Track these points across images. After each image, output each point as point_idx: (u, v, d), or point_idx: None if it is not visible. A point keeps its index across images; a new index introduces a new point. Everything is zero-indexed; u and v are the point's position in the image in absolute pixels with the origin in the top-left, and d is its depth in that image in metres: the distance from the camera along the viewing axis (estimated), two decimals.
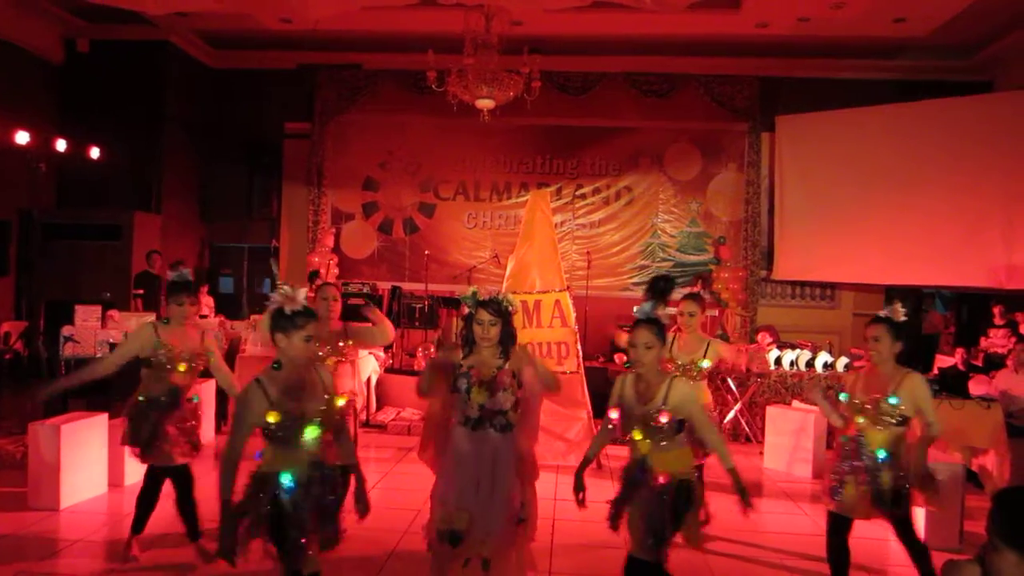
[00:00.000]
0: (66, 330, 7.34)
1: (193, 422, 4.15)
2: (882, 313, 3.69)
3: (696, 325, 4.71)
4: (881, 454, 3.55)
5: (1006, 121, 9.15)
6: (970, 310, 10.85)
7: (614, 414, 3.19)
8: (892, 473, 3.55)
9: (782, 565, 4.44)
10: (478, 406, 3.38)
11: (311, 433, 2.83)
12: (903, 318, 3.64)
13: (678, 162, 11.21)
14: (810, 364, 7.64)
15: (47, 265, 10.50)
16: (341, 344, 4.74)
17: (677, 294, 10.90)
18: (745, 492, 3.15)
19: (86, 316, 7.55)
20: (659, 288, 3.27)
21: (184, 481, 4.14)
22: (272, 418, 2.81)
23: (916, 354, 9.82)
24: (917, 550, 3.72)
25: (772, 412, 6.90)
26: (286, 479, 2.81)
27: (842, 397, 3.74)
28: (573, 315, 6.80)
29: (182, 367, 4.06)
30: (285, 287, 2.95)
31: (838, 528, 3.72)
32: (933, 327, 10.84)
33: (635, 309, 3.25)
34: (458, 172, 11.54)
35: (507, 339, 3.47)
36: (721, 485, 5.11)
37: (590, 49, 10.85)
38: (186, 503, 4.12)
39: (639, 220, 11.27)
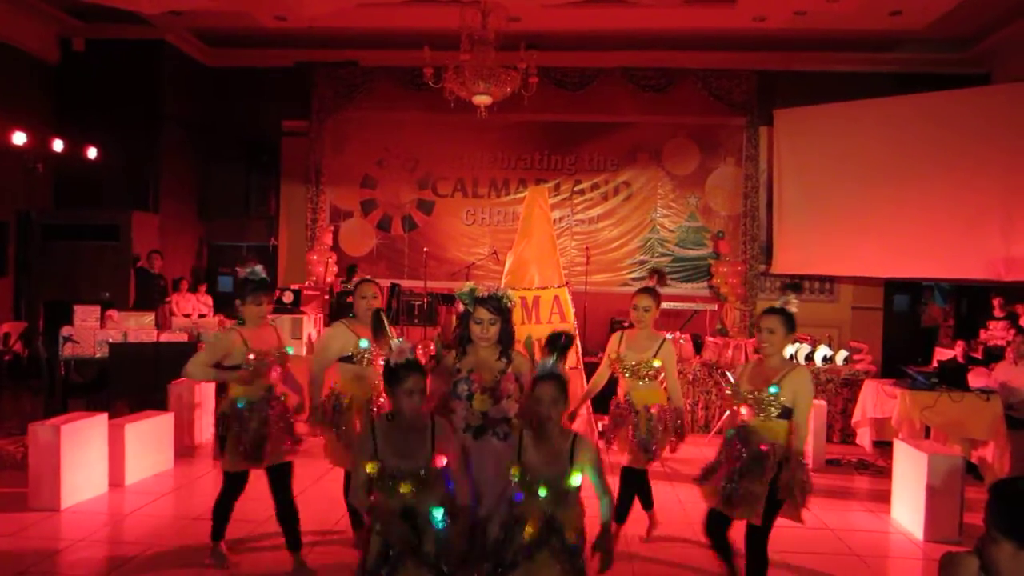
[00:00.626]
0: (65, 330, 7.34)
1: (291, 418, 4.05)
2: (776, 304, 3.56)
3: (650, 321, 4.38)
4: (764, 447, 3.40)
5: (1004, 114, 9.14)
6: (969, 302, 10.87)
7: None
8: (772, 471, 3.36)
9: (782, 559, 4.44)
10: (480, 414, 3.27)
11: (404, 489, 2.83)
12: (795, 310, 3.54)
13: (676, 157, 11.20)
14: (809, 358, 7.64)
15: (45, 266, 10.50)
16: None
17: (677, 288, 10.98)
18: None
19: (85, 316, 7.55)
20: (559, 344, 3.07)
21: (287, 480, 4.00)
22: (371, 468, 2.84)
23: (915, 347, 9.87)
24: (760, 563, 3.46)
25: None
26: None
27: (728, 387, 3.66)
28: (572, 311, 6.80)
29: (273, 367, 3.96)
30: (396, 341, 2.97)
31: (719, 523, 3.56)
32: (932, 320, 10.85)
33: (537, 366, 3.01)
34: (456, 169, 11.53)
35: (506, 338, 3.37)
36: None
37: (587, 44, 10.83)
38: (288, 504, 3.96)
39: (638, 215, 11.27)
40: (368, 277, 4.75)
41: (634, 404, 4.29)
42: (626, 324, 4.60)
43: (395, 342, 2.95)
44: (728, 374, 3.78)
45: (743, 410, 3.49)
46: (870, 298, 10.87)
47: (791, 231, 10.62)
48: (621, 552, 4.28)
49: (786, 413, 3.41)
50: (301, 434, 4.09)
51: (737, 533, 3.52)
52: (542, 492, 2.82)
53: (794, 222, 10.59)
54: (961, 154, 9.36)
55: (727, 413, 7.40)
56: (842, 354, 7.68)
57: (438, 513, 2.82)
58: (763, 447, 3.36)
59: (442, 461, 2.86)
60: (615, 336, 4.50)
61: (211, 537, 4.06)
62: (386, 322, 3.64)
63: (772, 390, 3.37)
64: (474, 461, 3.28)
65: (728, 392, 3.64)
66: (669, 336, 4.82)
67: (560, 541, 2.81)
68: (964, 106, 9.50)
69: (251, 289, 3.92)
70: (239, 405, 3.88)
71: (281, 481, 3.94)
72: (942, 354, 8.06)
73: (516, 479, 2.85)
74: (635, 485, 4.39)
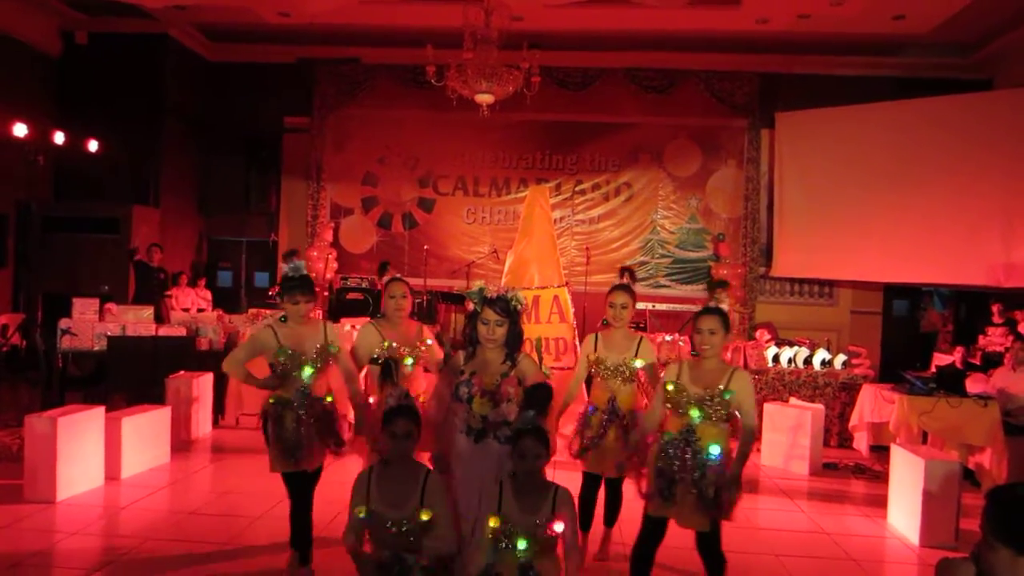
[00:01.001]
0: (63, 323, 7.34)
1: (333, 422, 3.84)
2: (712, 304, 3.41)
3: (627, 319, 4.19)
4: (715, 451, 3.27)
5: (1005, 119, 9.14)
6: (968, 308, 10.87)
7: (493, 523, 2.86)
8: (719, 474, 3.26)
9: (778, 563, 4.44)
10: (480, 417, 3.27)
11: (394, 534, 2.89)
12: (726, 307, 3.42)
13: (678, 158, 11.20)
14: (808, 361, 7.64)
15: (45, 258, 10.49)
16: (419, 345, 4.20)
17: (677, 290, 10.98)
18: None
19: (83, 309, 7.54)
20: (539, 398, 3.02)
21: (311, 485, 3.87)
22: (361, 513, 2.90)
23: (914, 352, 9.87)
24: (719, 563, 3.37)
25: (770, 409, 6.90)
26: None
27: (669, 387, 3.38)
28: (572, 311, 6.80)
29: (308, 369, 3.74)
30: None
31: (655, 534, 3.39)
32: (931, 325, 10.86)
33: (519, 423, 2.95)
34: (457, 167, 11.53)
35: (514, 340, 3.34)
36: None
37: (590, 45, 10.83)
38: (304, 510, 3.83)
39: (638, 216, 11.27)
40: (398, 276, 4.45)
41: (618, 409, 4.04)
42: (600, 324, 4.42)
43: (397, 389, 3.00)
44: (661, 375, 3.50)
45: (693, 413, 3.30)
46: (869, 302, 10.88)
47: (792, 234, 10.61)
48: (615, 554, 4.28)
49: (730, 418, 3.33)
50: (347, 439, 3.94)
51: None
52: (521, 544, 2.80)
53: (795, 225, 10.59)
54: (962, 159, 9.36)
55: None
56: (840, 358, 7.67)
57: None
58: (713, 451, 3.27)
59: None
60: (589, 337, 4.31)
61: (290, 545, 3.87)
62: (395, 372, 3.60)
63: (727, 395, 3.27)
64: (475, 465, 3.27)
65: (670, 395, 3.37)
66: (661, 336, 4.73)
67: None
68: (966, 111, 9.50)
69: (287, 286, 3.77)
70: (271, 402, 3.78)
71: (306, 490, 3.85)
72: (940, 359, 8.06)
73: (494, 526, 2.82)
74: (619, 495, 4.20)
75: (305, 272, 3.86)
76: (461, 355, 3.40)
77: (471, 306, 3.40)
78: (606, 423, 4.03)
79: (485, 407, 3.26)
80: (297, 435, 3.67)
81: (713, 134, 11.15)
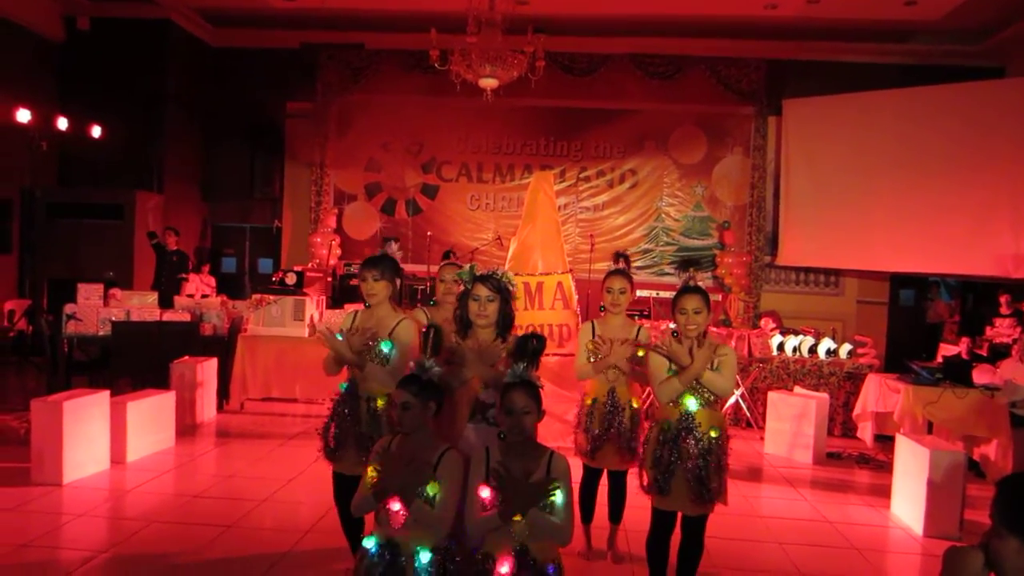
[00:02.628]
0: (68, 308, 7.35)
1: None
2: (693, 283, 3.34)
3: (625, 305, 4.04)
4: (714, 434, 3.23)
5: (1017, 108, 9.06)
6: (976, 299, 10.82)
7: (485, 492, 2.64)
8: (717, 459, 3.24)
9: (781, 550, 4.44)
10: (471, 399, 3.25)
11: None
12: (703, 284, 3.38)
13: (683, 145, 11.14)
14: (812, 350, 7.62)
15: (49, 243, 10.51)
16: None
17: (682, 278, 10.93)
18: None
19: (88, 294, 7.55)
20: (530, 348, 2.88)
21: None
22: (372, 472, 2.72)
23: (920, 342, 9.83)
24: (700, 550, 3.36)
25: (773, 397, 6.89)
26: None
27: (666, 372, 3.27)
28: (575, 298, 6.77)
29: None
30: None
31: (665, 526, 3.34)
32: (938, 316, 10.81)
33: (507, 374, 2.77)
34: (461, 153, 11.49)
35: (505, 320, 3.31)
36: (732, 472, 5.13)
37: (596, 30, 10.74)
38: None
39: (643, 203, 11.22)
40: (452, 260, 4.23)
41: (619, 400, 3.93)
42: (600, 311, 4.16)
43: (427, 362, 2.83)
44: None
45: (689, 400, 3.26)
46: (875, 292, 10.83)
47: (798, 223, 10.56)
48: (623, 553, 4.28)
49: (716, 399, 3.32)
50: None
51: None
52: (516, 517, 2.57)
53: (801, 214, 10.53)
54: (972, 148, 9.29)
55: (729, 400, 7.40)
56: (846, 347, 7.65)
57: (424, 555, 2.67)
58: (714, 435, 3.24)
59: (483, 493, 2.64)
60: (587, 325, 4.13)
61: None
62: (439, 342, 3.21)
63: (719, 371, 3.23)
64: (466, 446, 3.22)
65: (664, 379, 3.26)
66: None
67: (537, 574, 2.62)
68: (977, 99, 9.41)
69: (366, 265, 3.46)
70: (342, 388, 3.50)
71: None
72: (947, 350, 8.02)
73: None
74: (623, 489, 4.10)
75: (380, 254, 3.52)
76: (454, 337, 3.34)
77: (462, 287, 3.38)
78: (609, 415, 3.93)
79: (477, 387, 3.25)
80: (340, 430, 3.42)
81: (719, 121, 11.08)
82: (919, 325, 10.88)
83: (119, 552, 3.96)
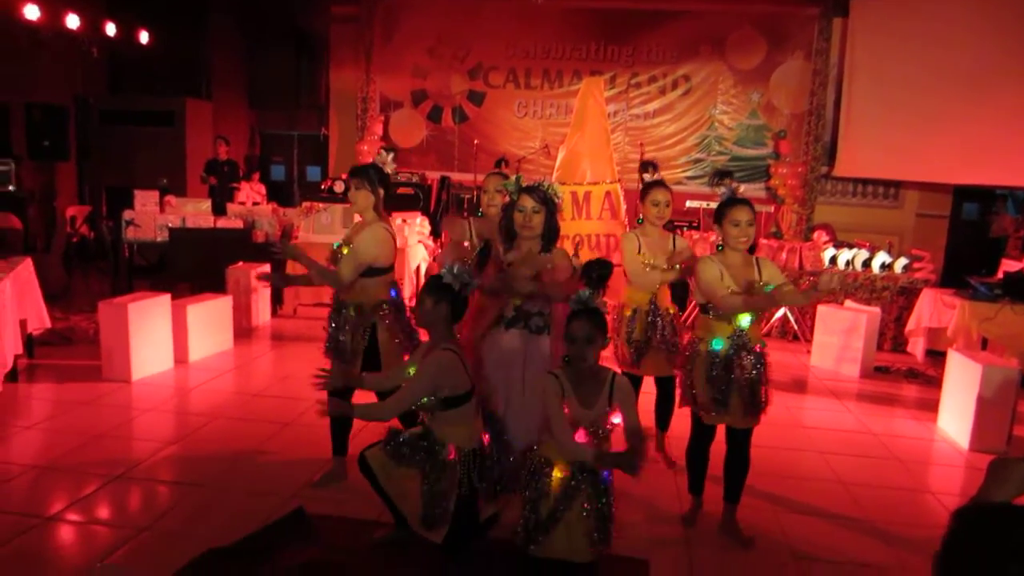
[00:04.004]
0: (127, 214, 7.57)
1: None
2: (739, 195, 3.31)
3: (667, 217, 4.09)
4: (761, 347, 3.25)
5: None
6: None
7: (581, 435, 2.73)
8: (764, 371, 3.24)
9: (823, 460, 4.50)
10: (514, 306, 3.32)
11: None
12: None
13: (741, 49, 10.64)
14: (866, 264, 7.46)
15: (104, 151, 10.72)
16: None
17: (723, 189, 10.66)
18: None
19: (145, 201, 7.75)
20: (596, 274, 2.85)
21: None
22: (412, 370, 3.03)
23: (981, 257, 9.52)
24: (748, 464, 3.38)
25: (823, 311, 6.82)
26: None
27: (768, 288, 3.16)
28: (624, 208, 6.70)
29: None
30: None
31: (708, 437, 3.41)
32: (1002, 230, 10.40)
33: (571, 300, 2.77)
34: (509, 59, 11.19)
35: (550, 233, 3.32)
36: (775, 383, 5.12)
37: None
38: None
39: (696, 111, 10.86)
40: (498, 170, 4.18)
41: (660, 307, 4.00)
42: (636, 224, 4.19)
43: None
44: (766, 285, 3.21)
45: (743, 318, 3.22)
46: (937, 205, 10.43)
47: (858, 132, 10.12)
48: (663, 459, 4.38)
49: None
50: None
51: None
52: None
53: (862, 122, 10.07)
54: None
55: (777, 314, 7.35)
56: (901, 261, 7.47)
57: (446, 449, 2.90)
58: (757, 348, 3.25)
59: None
60: (631, 236, 4.13)
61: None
62: (489, 254, 3.36)
63: (768, 288, 3.16)
64: (502, 352, 3.32)
65: (728, 293, 3.16)
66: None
67: (592, 483, 2.74)
68: None
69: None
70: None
71: None
72: (1009, 266, 7.77)
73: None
74: (671, 395, 4.08)
75: (375, 162, 3.69)
76: (500, 247, 3.38)
77: (508, 198, 3.37)
78: (651, 323, 3.97)
79: (520, 296, 3.29)
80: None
81: (780, 23, 10.52)
82: (981, 240, 10.50)
83: (186, 445, 4.21)
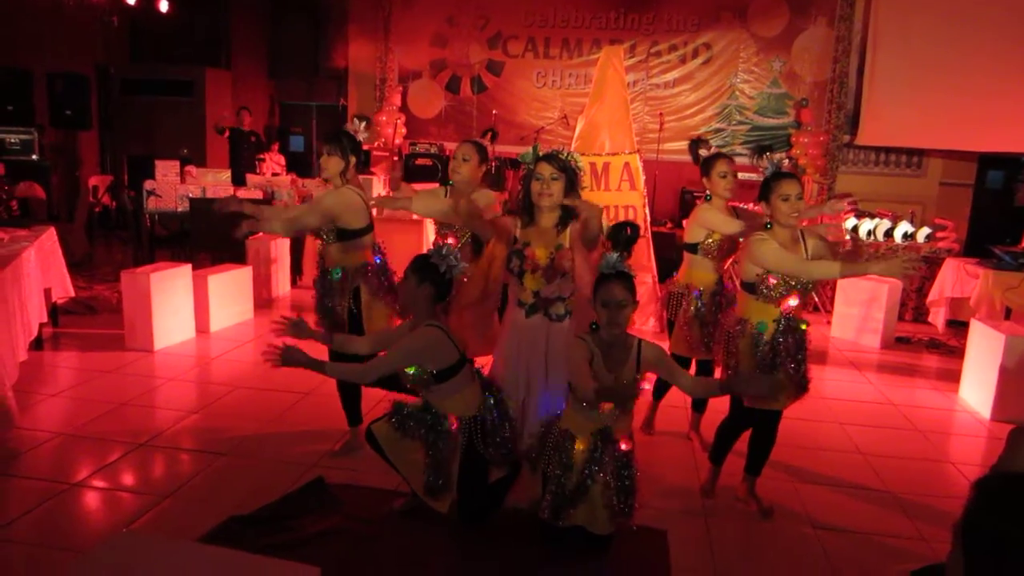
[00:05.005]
0: (148, 184, 7.61)
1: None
2: (780, 168, 3.23)
3: (734, 187, 3.87)
4: (804, 326, 3.19)
5: None
6: None
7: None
8: (804, 353, 3.17)
9: (842, 430, 4.48)
10: (532, 293, 3.18)
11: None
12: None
13: (763, 16, 10.43)
14: (888, 234, 7.37)
15: (125, 120, 10.77)
16: None
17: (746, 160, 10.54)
18: None
19: (166, 171, 7.78)
20: (624, 236, 2.80)
21: None
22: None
23: (1006, 227, 9.34)
24: (773, 440, 3.35)
25: (843, 282, 6.75)
26: None
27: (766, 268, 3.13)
28: (643, 178, 6.64)
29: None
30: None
31: (748, 420, 3.36)
32: None
33: (601, 265, 2.74)
34: (528, 27, 11.05)
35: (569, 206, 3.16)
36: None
37: None
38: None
39: (716, 80, 10.68)
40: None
41: (722, 289, 3.90)
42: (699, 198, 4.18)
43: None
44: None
45: (792, 300, 3.15)
46: (961, 173, 10.23)
47: (883, 99, 9.92)
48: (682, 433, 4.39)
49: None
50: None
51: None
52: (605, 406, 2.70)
53: (887, 90, 9.86)
54: None
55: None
56: (924, 231, 7.37)
57: (447, 421, 2.94)
58: (803, 327, 3.19)
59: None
60: (713, 210, 3.88)
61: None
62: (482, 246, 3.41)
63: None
64: (523, 338, 3.23)
65: (778, 283, 3.10)
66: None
67: (613, 453, 2.76)
68: None
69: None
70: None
71: None
72: None
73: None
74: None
75: (347, 128, 3.71)
76: (515, 219, 3.25)
77: (525, 169, 3.27)
78: (707, 304, 3.83)
79: (537, 282, 3.15)
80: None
81: None
82: (1006, 209, 10.28)
83: (208, 414, 4.27)
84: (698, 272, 3.89)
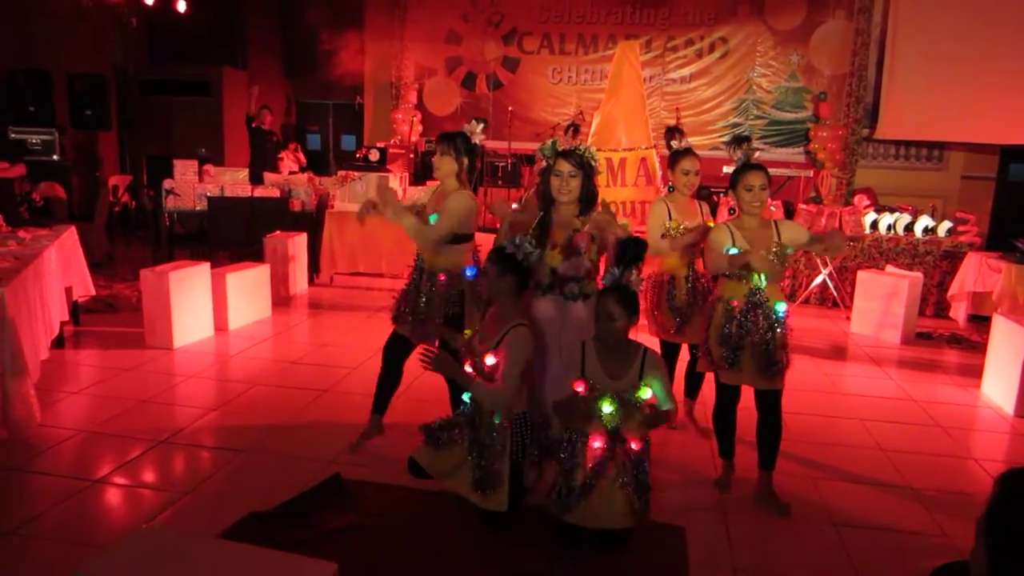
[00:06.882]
0: (167, 183, 7.68)
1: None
2: (749, 160, 3.30)
3: (696, 185, 4.03)
4: (781, 309, 3.22)
5: None
6: None
7: (580, 387, 2.85)
8: (782, 332, 3.22)
9: (862, 427, 4.44)
10: (550, 270, 3.24)
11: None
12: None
13: (780, 9, 10.34)
14: (909, 228, 7.29)
15: (144, 120, 10.86)
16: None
17: (771, 154, 10.46)
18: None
19: (184, 170, 7.85)
20: (630, 253, 2.84)
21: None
22: (469, 333, 3.16)
23: (1020, 220, 9.21)
24: (780, 430, 3.34)
25: (863, 276, 6.69)
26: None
27: (732, 250, 3.20)
28: (659, 174, 6.62)
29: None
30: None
31: (732, 398, 3.41)
32: None
33: (603, 278, 2.83)
34: (543, 24, 11.03)
35: (587, 197, 3.26)
36: (806, 348, 5.12)
37: None
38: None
39: (733, 74, 10.61)
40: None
41: (698, 273, 4.02)
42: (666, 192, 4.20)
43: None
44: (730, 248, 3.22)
45: (761, 278, 3.20)
46: (982, 166, 10.10)
47: (902, 92, 9.80)
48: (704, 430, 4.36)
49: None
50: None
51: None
52: (607, 407, 2.74)
53: (907, 82, 9.75)
54: None
55: (816, 279, 7.22)
56: (945, 225, 7.28)
57: (496, 418, 2.94)
58: (780, 308, 3.24)
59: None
60: (661, 205, 4.06)
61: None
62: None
63: (788, 250, 3.13)
64: (540, 318, 3.28)
65: (734, 257, 3.18)
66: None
67: (624, 452, 2.79)
68: None
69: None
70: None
71: None
72: None
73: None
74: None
75: (463, 130, 3.62)
76: (534, 214, 3.31)
77: (543, 163, 3.33)
78: (689, 291, 3.97)
79: (555, 259, 3.23)
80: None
81: None
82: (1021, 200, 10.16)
83: (227, 411, 4.30)
84: (668, 260, 4.03)
